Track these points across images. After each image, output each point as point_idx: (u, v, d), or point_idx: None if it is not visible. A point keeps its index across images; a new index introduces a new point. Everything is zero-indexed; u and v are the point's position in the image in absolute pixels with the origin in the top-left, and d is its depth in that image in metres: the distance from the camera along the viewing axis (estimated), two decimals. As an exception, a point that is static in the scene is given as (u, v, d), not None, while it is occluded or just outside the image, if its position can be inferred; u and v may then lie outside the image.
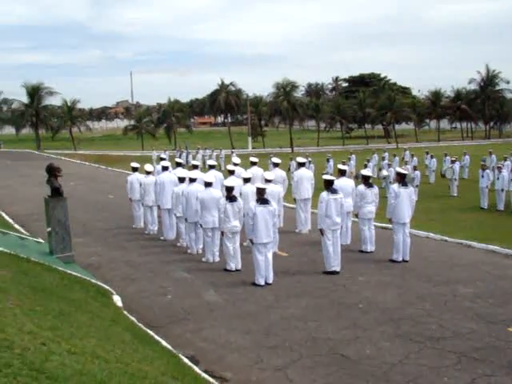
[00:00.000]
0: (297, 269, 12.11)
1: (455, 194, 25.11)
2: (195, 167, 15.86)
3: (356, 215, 13.91)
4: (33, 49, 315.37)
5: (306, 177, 16.01)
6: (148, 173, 16.17)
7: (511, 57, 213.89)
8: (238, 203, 11.87)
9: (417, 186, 24.15)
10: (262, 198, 11.14)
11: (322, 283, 11.03)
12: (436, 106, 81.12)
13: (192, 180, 13.65)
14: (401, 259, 12.45)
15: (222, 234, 11.99)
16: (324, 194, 11.58)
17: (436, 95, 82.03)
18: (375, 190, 13.76)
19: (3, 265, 8.75)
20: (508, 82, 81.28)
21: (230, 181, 12.78)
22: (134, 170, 17.01)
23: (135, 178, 16.65)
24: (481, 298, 9.95)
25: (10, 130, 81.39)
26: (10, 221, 17.48)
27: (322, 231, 11.56)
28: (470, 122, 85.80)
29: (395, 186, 12.68)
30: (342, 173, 14.29)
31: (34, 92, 68.64)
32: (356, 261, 12.69)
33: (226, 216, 11.78)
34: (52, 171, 11.98)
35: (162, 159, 18.53)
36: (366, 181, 13.69)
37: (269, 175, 14.02)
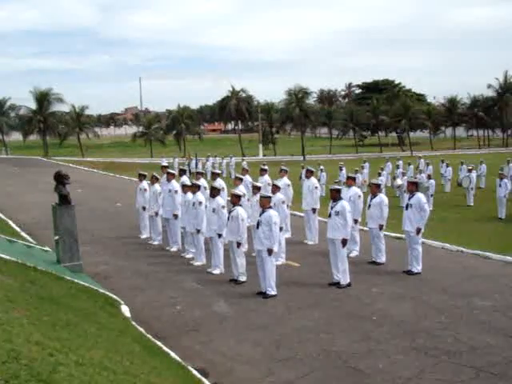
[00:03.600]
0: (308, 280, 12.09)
1: (472, 204, 25.02)
2: (200, 174, 16.20)
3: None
4: (40, 54, 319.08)
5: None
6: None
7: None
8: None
9: (432, 195, 24.09)
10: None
11: (332, 291, 11.02)
12: (452, 114, 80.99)
13: (196, 187, 13.81)
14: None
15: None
16: None
17: (452, 102, 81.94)
18: None
19: (10, 273, 8.78)
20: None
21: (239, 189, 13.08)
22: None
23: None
24: (499, 311, 9.88)
25: (17, 137, 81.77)
26: (17, 229, 17.53)
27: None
28: (487, 129, 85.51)
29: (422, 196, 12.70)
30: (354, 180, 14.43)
31: (42, 98, 69.05)
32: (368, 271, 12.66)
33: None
34: (60, 178, 12.03)
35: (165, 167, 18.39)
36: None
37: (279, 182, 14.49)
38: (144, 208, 16.52)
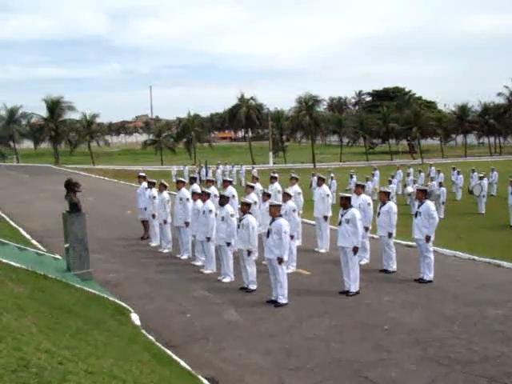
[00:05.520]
0: (319, 288, 12.04)
1: (483, 212, 24.87)
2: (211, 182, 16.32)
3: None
4: (52, 62, 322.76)
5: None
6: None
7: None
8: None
9: (443, 202, 24.00)
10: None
11: (343, 299, 10.96)
12: (463, 121, 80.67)
13: (206, 195, 13.79)
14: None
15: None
16: None
17: (463, 109, 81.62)
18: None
19: (20, 281, 8.80)
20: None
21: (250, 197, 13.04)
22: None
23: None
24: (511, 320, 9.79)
25: (28, 145, 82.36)
26: (28, 236, 17.60)
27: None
28: (499, 136, 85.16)
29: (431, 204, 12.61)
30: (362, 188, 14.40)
31: (54, 106, 69.52)
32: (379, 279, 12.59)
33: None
34: (70, 186, 12.07)
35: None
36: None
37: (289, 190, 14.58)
38: (154, 216, 16.54)
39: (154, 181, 17.23)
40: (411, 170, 34.73)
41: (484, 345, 8.59)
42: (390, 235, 13.09)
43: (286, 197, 13.84)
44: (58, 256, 14.05)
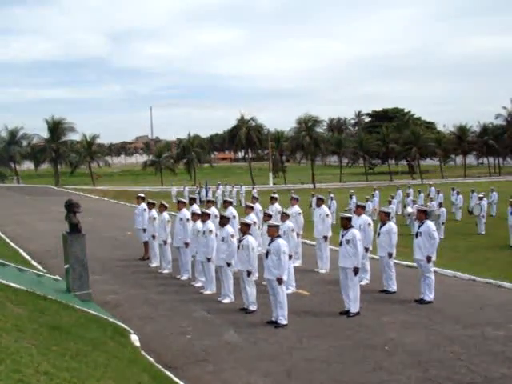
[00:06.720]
0: (319, 308, 11.99)
1: (483, 232, 24.83)
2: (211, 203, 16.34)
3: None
4: (53, 84, 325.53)
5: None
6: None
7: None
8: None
9: (443, 223, 23.98)
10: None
11: (343, 320, 10.91)
12: (462, 142, 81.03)
13: (206, 215, 13.79)
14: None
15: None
16: None
17: (462, 130, 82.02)
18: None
19: (20, 302, 8.77)
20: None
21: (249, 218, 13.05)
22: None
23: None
24: (512, 340, 9.73)
25: (28, 166, 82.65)
26: (27, 257, 17.56)
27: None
28: (498, 157, 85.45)
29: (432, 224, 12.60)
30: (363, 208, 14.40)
31: (55, 127, 69.84)
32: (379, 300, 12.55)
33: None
34: (71, 207, 12.06)
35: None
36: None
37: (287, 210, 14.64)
38: (154, 237, 16.53)
39: (154, 202, 17.25)
40: (411, 190, 34.73)
41: (485, 366, 8.54)
42: (390, 255, 13.07)
43: (284, 217, 13.87)
44: (57, 277, 14.01)
